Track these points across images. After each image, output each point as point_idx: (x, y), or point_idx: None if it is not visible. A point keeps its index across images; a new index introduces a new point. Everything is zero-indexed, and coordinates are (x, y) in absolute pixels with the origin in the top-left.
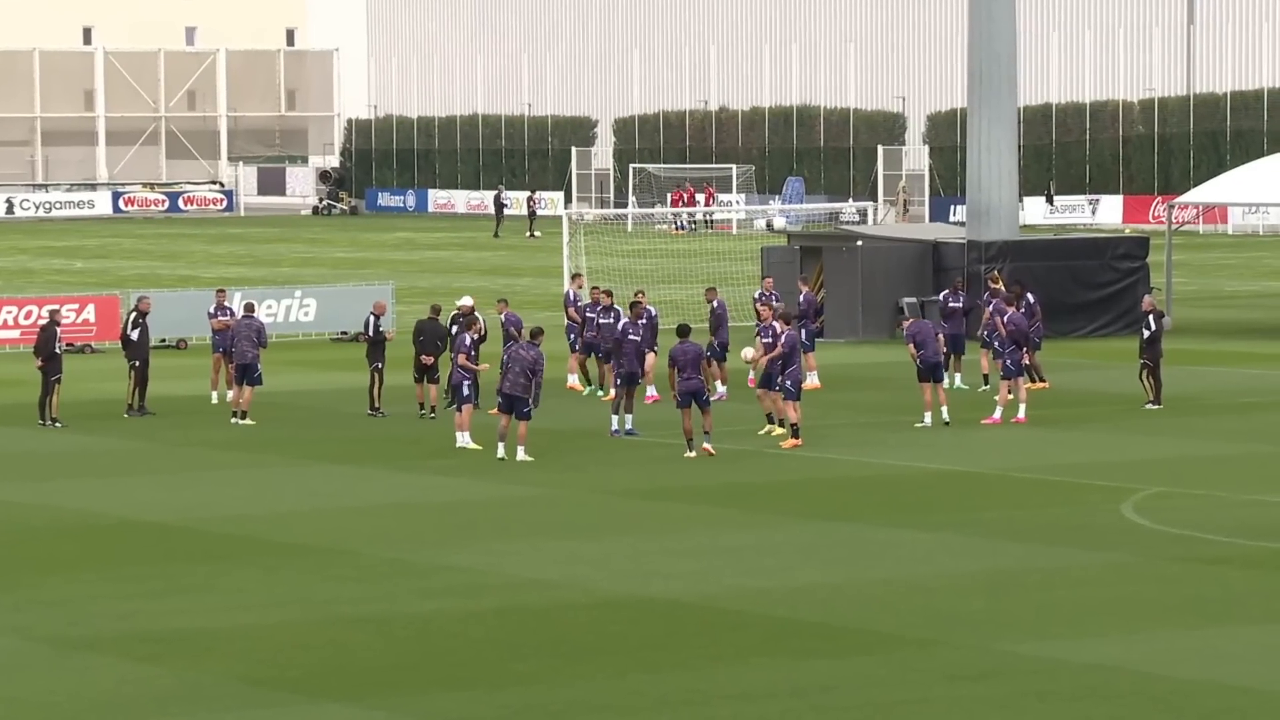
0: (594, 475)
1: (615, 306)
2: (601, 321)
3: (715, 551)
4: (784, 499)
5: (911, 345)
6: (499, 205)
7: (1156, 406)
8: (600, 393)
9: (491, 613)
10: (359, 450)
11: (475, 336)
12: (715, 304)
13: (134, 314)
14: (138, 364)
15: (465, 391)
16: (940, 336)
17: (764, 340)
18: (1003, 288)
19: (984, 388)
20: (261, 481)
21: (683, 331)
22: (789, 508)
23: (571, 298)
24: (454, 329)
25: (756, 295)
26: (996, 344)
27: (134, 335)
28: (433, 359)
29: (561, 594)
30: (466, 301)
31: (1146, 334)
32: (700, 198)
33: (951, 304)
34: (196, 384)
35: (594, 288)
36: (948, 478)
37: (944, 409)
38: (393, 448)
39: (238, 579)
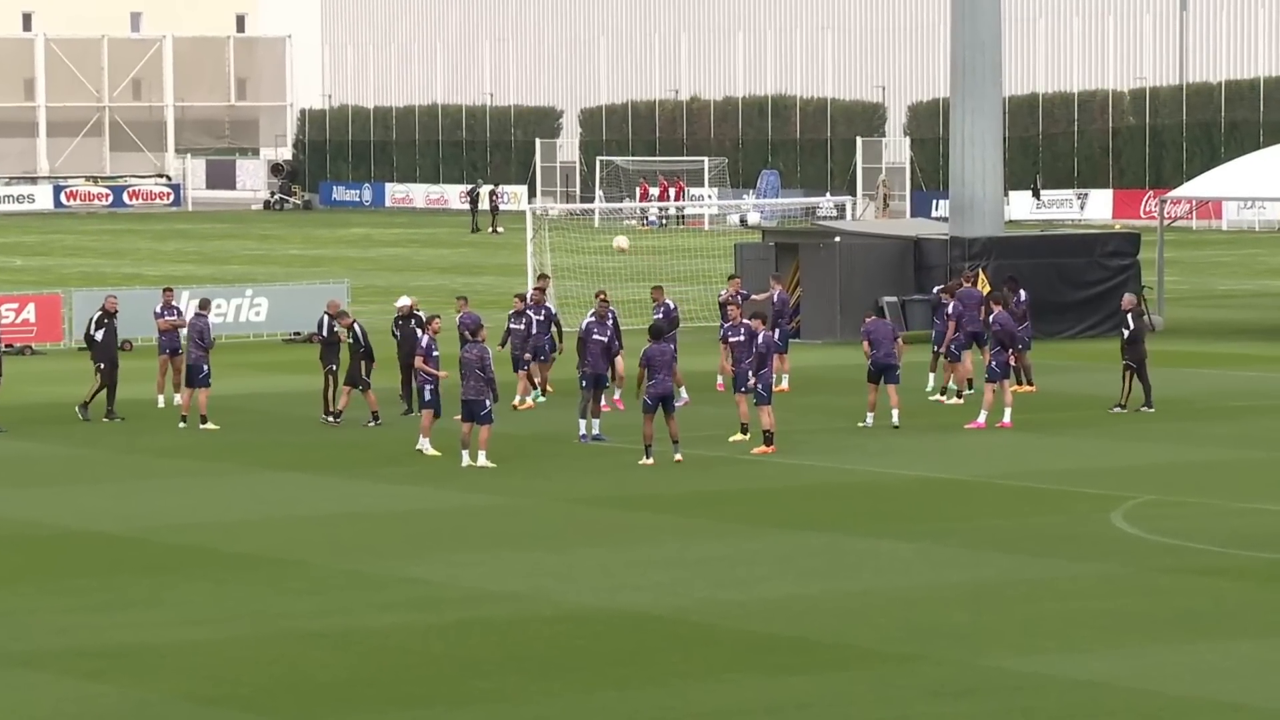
0: (559, 483)
1: (527, 311)
2: (512, 327)
3: (686, 562)
4: (758, 507)
5: (866, 343)
6: (474, 200)
7: (1122, 410)
8: (532, 399)
9: (452, 626)
10: (313, 456)
11: (432, 336)
12: (667, 305)
13: (100, 313)
14: (104, 366)
15: (427, 396)
16: (899, 341)
17: (734, 339)
18: (972, 285)
19: (969, 392)
20: (210, 489)
21: (656, 332)
22: (763, 517)
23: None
24: (396, 331)
25: (722, 296)
26: (953, 348)
27: (99, 335)
28: (373, 363)
29: (525, 607)
30: (404, 301)
31: (1126, 334)
32: (671, 192)
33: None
34: (143, 387)
35: (536, 289)
36: (929, 485)
37: (895, 412)
38: (348, 454)
39: (185, 592)
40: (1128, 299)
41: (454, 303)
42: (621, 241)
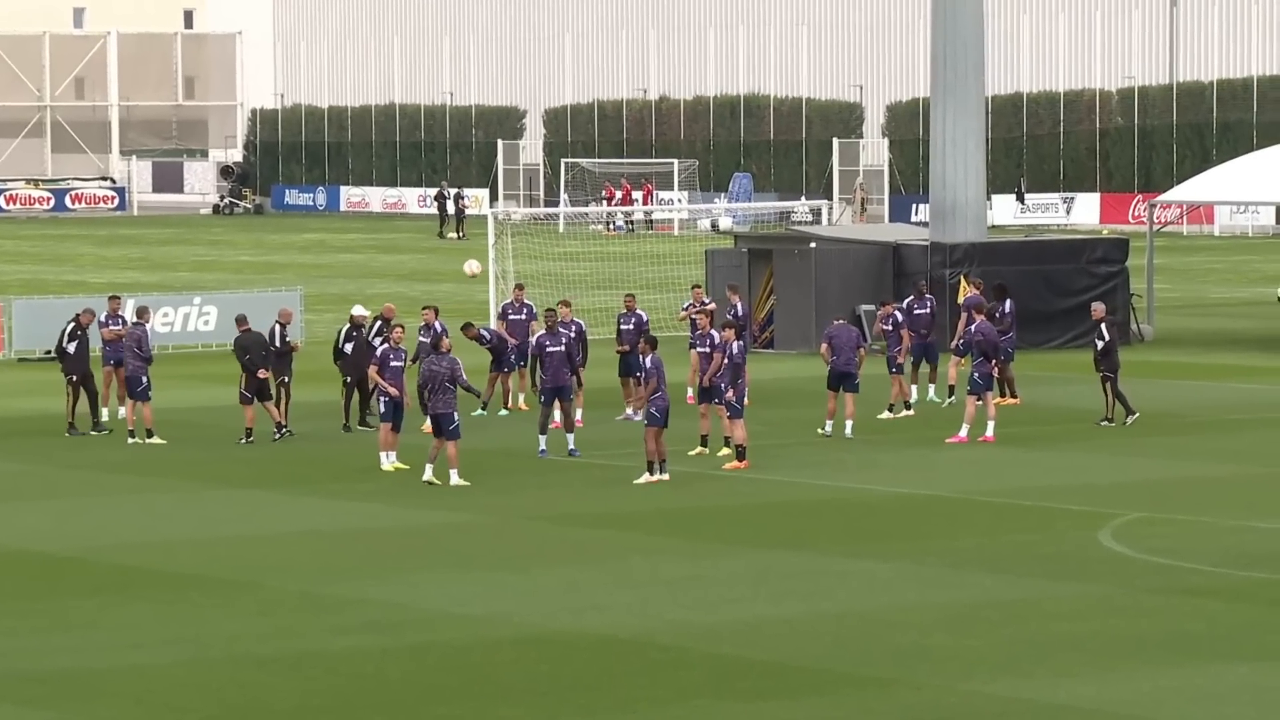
0: (522, 499)
1: (436, 322)
2: (421, 340)
3: (655, 582)
4: (730, 525)
5: (826, 346)
6: (442, 202)
7: (1110, 424)
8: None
9: (409, 650)
10: (264, 473)
11: (395, 346)
12: (640, 316)
13: (72, 325)
14: (75, 378)
15: (382, 408)
16: (861, 350)
17: (700, 350)
18: (926, 294)
19: (950, 401)
20: (157, 507)
21: (654, 343)
22: (736, 535)
23: (505, 310)
24: (348, 344)
25: (684, 307)
26: (896, 356)
27: (71, 348)
28: (267, 373)
29: (486, 629)
30: (360, 311)
31: (1100, 344)
32: (637, 195)
33: (918, 310)
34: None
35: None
36: (909, 502)
37: (849, 424)
38: (301, 470)
39: (130, 614)
40: (1098, 308)
41: (421, 314)
42: (473, 266)
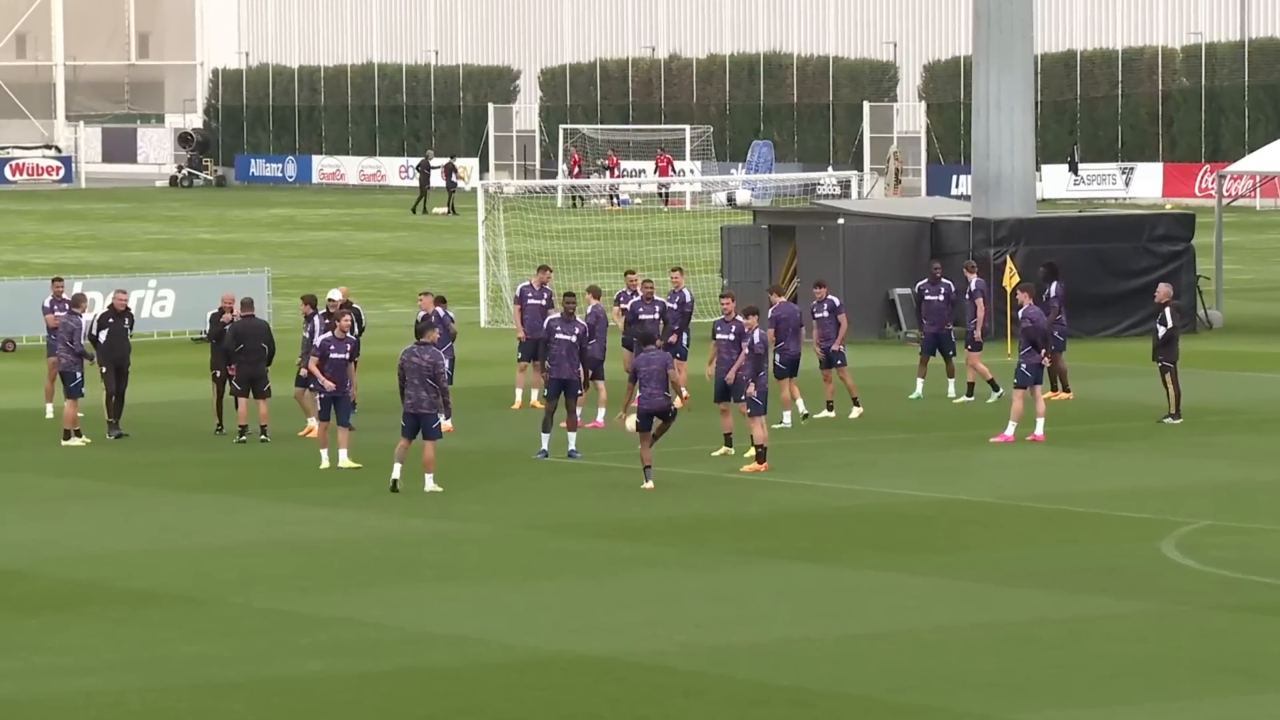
0: (517, 507)
1: (315, 317)
2: (305, 336)
3: (665, 600)
4: (748, 535)
5: (772, 332)
6: (425, 174)
7: (1176, 420)
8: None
9: (390, 675)
10: (227, 476)
11: (339, 337)
12: (684, 295)
13: (105, 310)
14: (105, 370)
15: (319, 405)
16: (803, 330)
17: (722, 337)
18: (975, 273)
19: (994, 397)
20: (108, 514)
21: (645, 337)
22: (754, 546)
23: (523, 293)
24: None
25: (618, 298)
26: (831, 347)
27: (103, 336)
28: (234, 371)
29: (476, 652)
30: (335, 295)
31: (1162, 331)
32: (641, 166)
33: (929, 295)
34: (29, 394)
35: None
36: (948, 508)
37: (799, 401)
38: (268, 472)
39: (78, 634)
40: (1164, 290)
41: (419, 299)
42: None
